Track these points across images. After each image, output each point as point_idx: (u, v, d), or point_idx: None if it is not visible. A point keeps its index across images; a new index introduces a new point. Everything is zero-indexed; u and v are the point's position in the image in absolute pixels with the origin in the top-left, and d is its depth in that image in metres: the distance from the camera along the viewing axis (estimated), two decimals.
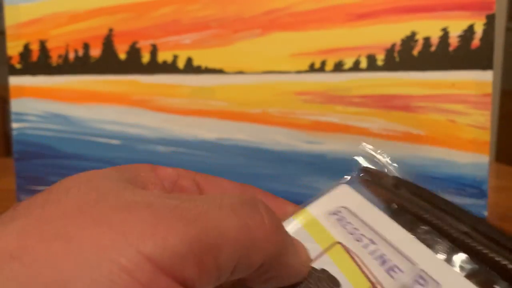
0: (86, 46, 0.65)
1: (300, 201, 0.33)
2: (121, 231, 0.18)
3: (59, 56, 0.65)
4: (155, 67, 0.65)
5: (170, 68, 0.65)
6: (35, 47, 0.65)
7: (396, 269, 0.22)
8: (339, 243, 0.24)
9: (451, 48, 0.63)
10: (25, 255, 0.17)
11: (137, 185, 0.23)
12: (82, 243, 0.17)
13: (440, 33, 0.63)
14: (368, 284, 0.22)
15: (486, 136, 0.63)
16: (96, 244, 0.17)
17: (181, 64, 0.65)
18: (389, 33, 0.63)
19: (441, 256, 0.22)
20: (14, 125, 0.66)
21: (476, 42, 0.62)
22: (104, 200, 0.20)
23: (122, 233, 0.17)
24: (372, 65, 0.64)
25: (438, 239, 0.23)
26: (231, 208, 0.20)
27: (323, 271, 0.23)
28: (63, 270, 0.16)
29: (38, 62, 0.65)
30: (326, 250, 0.24)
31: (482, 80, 0.63)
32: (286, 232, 0.23)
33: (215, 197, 0.21)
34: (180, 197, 0.20)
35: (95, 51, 0.65)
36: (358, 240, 0.23)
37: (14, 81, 0.66)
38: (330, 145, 0.65)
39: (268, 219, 0.21)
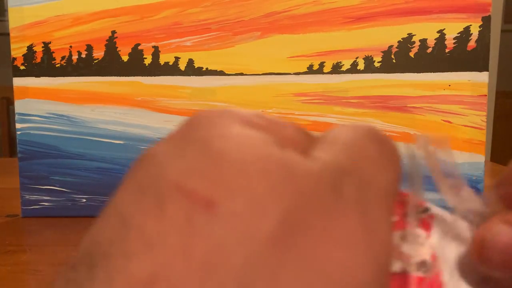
0: (89, 48, 0.66)
1: None
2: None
3: (63, 58, 0.66)
4: (157, 68, 0.66)
5: (171, 69, 0.66)
6: (39, 49, 0.66)
7: None
8: None
9: (447, 50, 0.64)
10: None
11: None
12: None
13: (437, 35, 0.64)
14: None
15: (482, 136, 0.64)
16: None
17: (182, 65, 0.66)
18: (386, 35, 0.64)
19: None
20: (18, 125, 0.66)
21: (472, 44, 0.63)
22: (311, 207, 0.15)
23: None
24: (369, 67, 0.64)
25: None
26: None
27: None
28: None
29: (41, 64, 0.66)
30: None
31: (478, 81, 0.63)
32: None
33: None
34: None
35: (98, 53, 0.66)
36: None
37: (18, 82, 0.66)
38: None
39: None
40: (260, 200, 0.14)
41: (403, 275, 0.19)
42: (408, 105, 0.64)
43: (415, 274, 0.19)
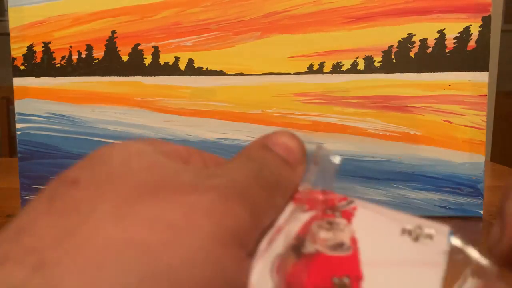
0: (89, 48, 0.66)
1: None
2: (198, 210, 0.19)
3: (63, 58, 0.66)
4: (157, 68, 0.66)
5: (172, 69, 0.66)
6: (38, 49, 0.66)
7: None
8: None
9: (447, 50, 0.64)
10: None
11: (178, 160, 0.23)
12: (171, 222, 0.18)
13: (437, 35, 0.63)
14: None
15: (482, 136, 0.64)
16: (195, 224, 0.18)
17: (182, 65, 0.66)
18: (386, 35, 0.64)
19: None
20: (18, 125, 0.66)
21: (472, 44, 0.63)
22: (168, 180, 0.20)
23: (201, 213, 0.19)
24: (369, 67, 0.64)
25: None
26: (256, 180, 0.22)
27: None
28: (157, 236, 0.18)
29: (41, 64, 0.66)
30: None
31: (478, 81, 0.63)
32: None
33: (237, 169, 0.22)
34: (219, 174, 0.21)
35: (98, 53, 0.66)
36: None
37: (18, 82, 0.66)
38: (328, 145, 0.65)
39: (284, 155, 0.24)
40: (113, 176, 0.20)
41: (315, 254, 0.21)
42: (408, 105, 0.64)
43: (329, 254, 0.21)
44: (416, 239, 0.22)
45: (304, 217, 0.23)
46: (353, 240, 0.22)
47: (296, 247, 0.21)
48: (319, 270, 0.21)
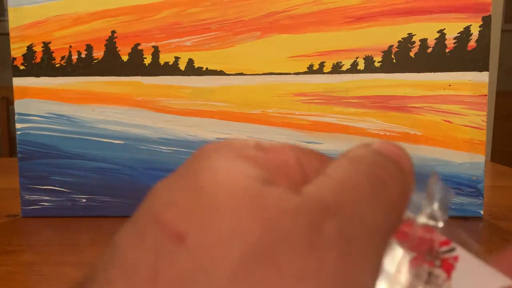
0: (89, 48, 0.66)
1: None
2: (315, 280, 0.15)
3: (62, 58, 0.66)
4: (157, 68, 0.66)
5: (171, 69, 0.66)
6: (38, 49, 0.66)
7: None
8: None
9: (447, 50, 0.64)
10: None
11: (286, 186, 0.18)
12: None
13: (437, 35, 0.63)
14: None
15: (482, 136, 0.64)
16: None
17: (182, 65, 0.66)
18: (386, 35, 0.64)
19: None
20: (18, 125, 0.66)
21: (472, 43, 0.63)
22: (280, 237, 0.15)
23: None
24: (369, 67, 0.64)
25: None
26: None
27: None
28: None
29: (41, 64, 0.66)
30: None
31: (478, 81, 0.63)
32: None
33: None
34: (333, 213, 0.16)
35: (98, 53, 0.66)
36: None
37: (18, 82, 0.66)
38: (328, 145, 0.65)
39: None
40: (225, 235, 0.15)
41: None
42: (408, 105, 0.64)
43: None
44: None
45: (405, 259, 0.20)
46: None
47: None
48: None
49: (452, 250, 0.20)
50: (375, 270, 0.17)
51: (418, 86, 0.64)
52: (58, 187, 0.67)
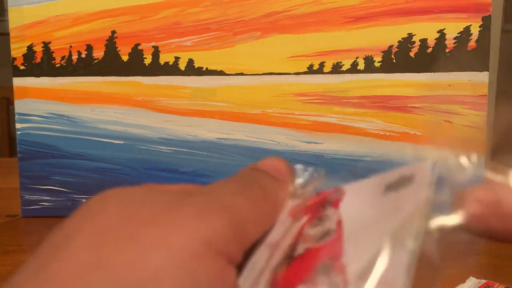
0: (89, 48, 0.66)
1: None
2: (170, 227, 0.19)
3: (63, 58, 0.66)
4: (157, 68, 0.66)
5: (171, 69, 0.66)
6: (38, 49, 0.66)
7: None
8: None
9: (447, 50, 0.63)
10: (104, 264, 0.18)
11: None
12: (152, 243, 0.19)
13: (437, 35, 0.63)
14: None
15: (483, 136, 0.64)
16: (163, 240, 0.19)
17: (182, 65, 0.66)
18: (386, 35, 0.64)
19: None
20: (18, 125, 0.66)
21: (472, 44, 0.63)
22: (145, 207, 0.21)
23: (172, 229, 0.19)
24: (369, 67, 0.64)
25: None
26: (241, 193, 0.22)
27: None
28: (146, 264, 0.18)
29: (41, 64, 0.66)
30: None
31: (478, 81, 0.63)
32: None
33: (223, 186, 0.23)
34: (199, 191, 0.22)
35: (98, 53, 0.66)
36: None
37: (18, 82, 0.66)
38: (328, 145, 0.65)
39: (268, 191, 0.24)
40: (89, 215, 0.21)
41: (305, 252, 0.21)
42: (408, 105, 0.64)
43: (317, 245, 0.21)
44: (398, 188, 0.21)
45: (299, 225, 0.23)
46: (339, 223, 0.22)
47: (289, 254, 0.22)
48: (306, 265, 0.21)
49: (339, 190, 0.24)
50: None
51: (418, 86, 0.64)
52: (58, 187, 0.67)
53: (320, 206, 0.24)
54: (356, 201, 0.23)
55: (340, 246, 0.21)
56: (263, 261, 0.22)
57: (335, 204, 0.23)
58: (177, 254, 0.19)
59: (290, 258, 0.21)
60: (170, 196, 0.21)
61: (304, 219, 0.23)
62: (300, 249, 0.22)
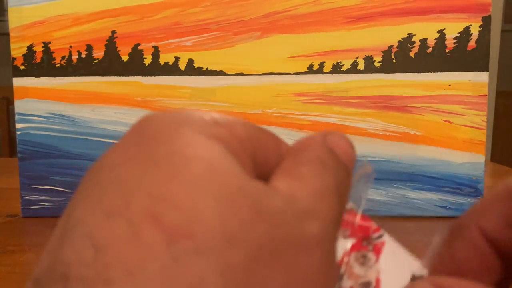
0: (89, 48, 0.66)
1: None
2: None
3: (63, 58, 0.66)
4: (157, 68, 0.66)
5: (171, 69, 0.66)
6: (38, 49, 0.66)
7: None
8: None
9: (447, 50, 0.64)
10: None
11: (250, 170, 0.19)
12: None
13: (437, 35, 0.63)
14: None
15: (482, 136, 0.64)
16: None
17: (182, 65, 0.66)
18: (386, 35, 0.64)
19: None
20: (18, 125, 0.66)
21: (472, 44, 0.63)
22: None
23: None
24: (369, 67, 0.64)
25: None
26: (332, 192, 0.19)
27: None
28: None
29: (41, 64, 0.66)
30: None
31: (478, 81, 0.63)
32: None
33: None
34: (313, 209, 0.18)
35: (98, 53, 0.66)
36: None
37: (18, 82, 0.66)
38: None
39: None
40: (234, 235, 0.15)
41: None
42: (408, 105, 0.64)
43: None
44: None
45: (346, 244, 0.23)
46: (377, 281, 0.22)
47: (338, 279, 0.22)
48: None
49: (381, 236, 0.23)
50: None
51: (418, 86, 0.64)
52: (58, 187, 0.67)
53: (364, 239, 0.23)
54: (391, 271, 0.22)
55: None
56: None
57: (376, 252, 0.23)
58: None
59: (339, 285, 0.21)
60: (287, 210, 0.17)
61: (350, 242, 0.23)
62: (346, 283, 0.21)
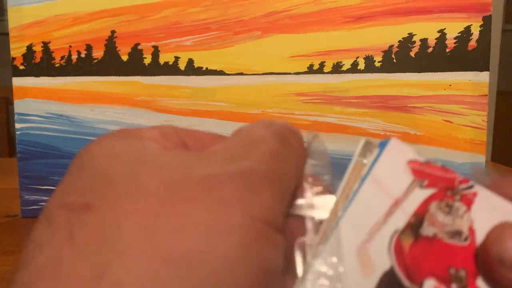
0: (88, 48, 0.66)
1: None
2: (228, 205, 0.17)
3: (62, 58, 0.66)
4: (156, 68, 0.66)
5: (171, 69, 0.66)
6: (38, 49, 0.66)
7: None
8: None
9: (448, 50, 0.63)
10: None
11: (177, 148, 0.22)
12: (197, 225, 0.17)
13: (437, 35, 0.63)
14: None
15: (483, 136, 0.64)
16: (225, 223, 0.17)
17: (182, 65, 0.65)
18: (386, 35, 0.64)
19: None
20: (18, 125, 0.66)
21: (472, 43, 0.63)
22: (186, 178, 0.18)
23: (231, 208, 0.17)
24: (370, 67, 0.64)
25: None
26: (280, 152, 0.21)
27: None
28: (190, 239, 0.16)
29: (41, 64, 0.66)
30: None
31: (478, 81, 0.63)
32: None
33: (255, 153, 0.21)
34: (238, 156, 0.20)
35: (98, 53, 0.66)
36: None
37: (18, 82, 0.66)
38: (328, 145, 0.65)
39: (297, 145, 0.24)
40: (124, 195, 0.18)
41: (433, 239, 0.21)
42: (408, 105, 0.64)
43: (447, 241, 0.21)
44: None
45: (424, 193, 0.22)
46: (471, 231, 0.21)
47: (414, 227, 0.21)
48: (436, 256, 0.21)
49: (471, 187, 0.23)
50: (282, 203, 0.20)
51: (418, 86, 0.64)
52: None
53: (448, 189, 0.23)
54: (489, 219, 0.22)
55: (472, 261, 0.21)
56: (382, 212, 0.22)
57: (467, 202, 0.22)
58: (244, 237, 0.17)
59: (415, 232, 0.21)
60: (207, 161, 0.19)
61: (429, 191, 0.22)
62: (428, 230, 0.21)
